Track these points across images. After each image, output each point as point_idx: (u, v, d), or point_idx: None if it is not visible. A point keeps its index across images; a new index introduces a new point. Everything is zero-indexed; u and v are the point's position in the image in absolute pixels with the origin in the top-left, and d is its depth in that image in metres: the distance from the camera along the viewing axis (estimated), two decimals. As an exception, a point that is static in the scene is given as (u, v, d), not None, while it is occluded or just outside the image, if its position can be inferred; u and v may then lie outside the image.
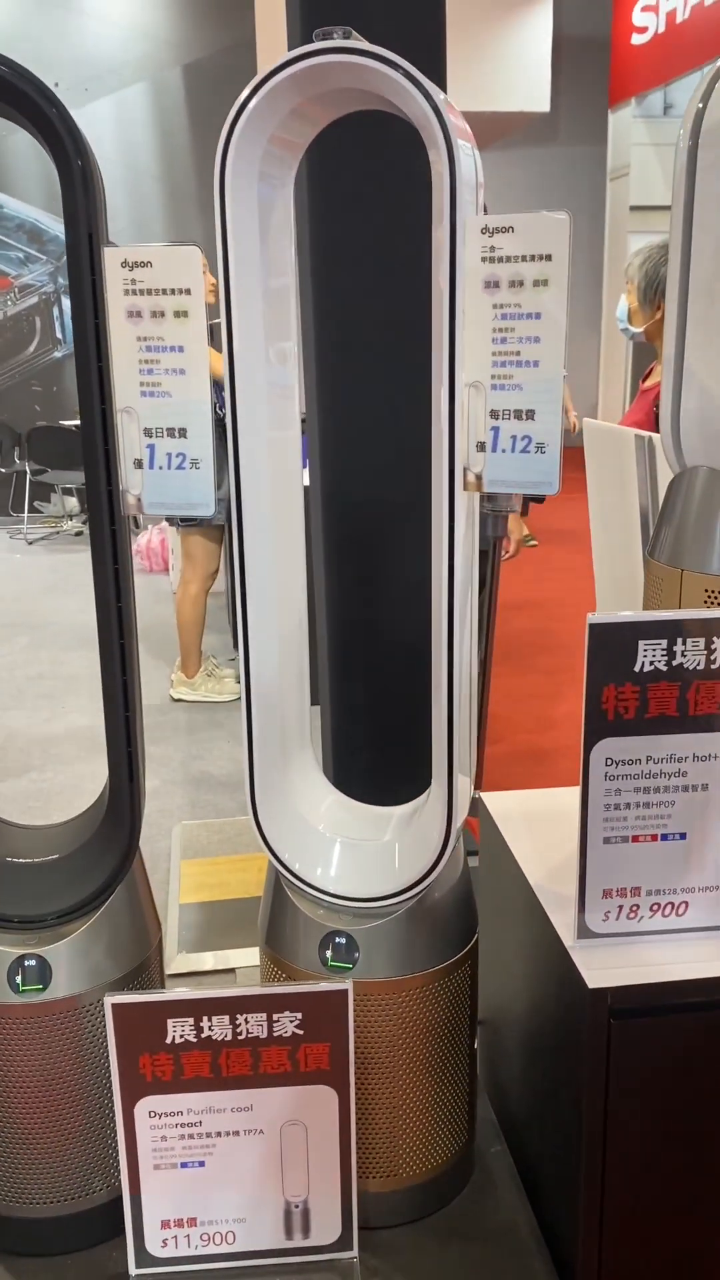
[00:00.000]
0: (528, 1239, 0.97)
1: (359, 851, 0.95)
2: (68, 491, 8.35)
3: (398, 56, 0.74)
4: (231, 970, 2.27)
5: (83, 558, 6.98)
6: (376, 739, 1.42)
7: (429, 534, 1.65)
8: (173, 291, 0.80)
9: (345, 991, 0.88)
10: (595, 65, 8.69)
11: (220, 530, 4.06)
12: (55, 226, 7.83)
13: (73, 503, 8.37)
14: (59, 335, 8.36)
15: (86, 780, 3.34)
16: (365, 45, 0.74)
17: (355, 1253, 0.94)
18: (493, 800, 1.16)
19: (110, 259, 0.79)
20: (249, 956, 2.33)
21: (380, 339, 1.40)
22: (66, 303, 8.18)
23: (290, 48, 1.41)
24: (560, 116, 8.56)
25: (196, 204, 7.29)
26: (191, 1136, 0.91)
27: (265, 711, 0.94)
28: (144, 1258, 0.93)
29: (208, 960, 2.09)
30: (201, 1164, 0.92)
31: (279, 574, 0.92)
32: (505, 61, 6.94)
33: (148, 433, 0.83)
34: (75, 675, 3.38)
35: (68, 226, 0.80)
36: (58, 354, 8.38)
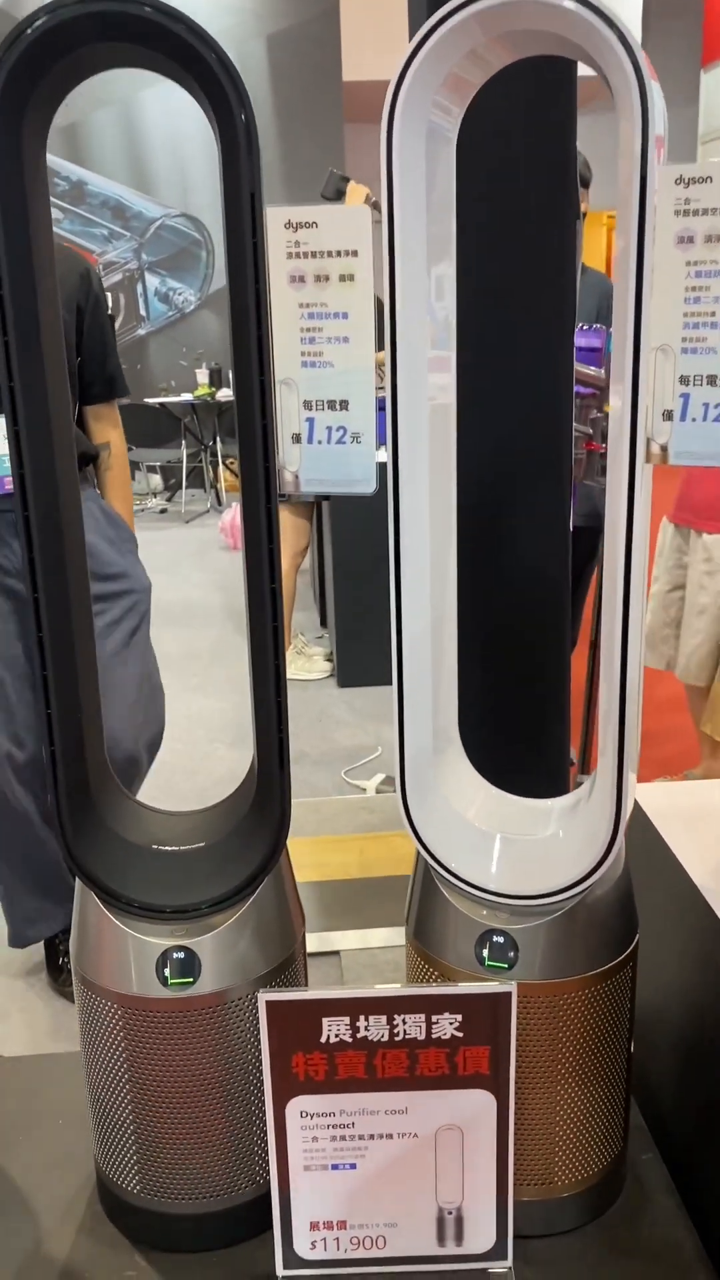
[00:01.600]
0: (690, 1255, 0.92)
1: (518, 846, 0.90)
2: (152, 469, 8.41)
3: (595, -5, 0.68)
4: (335, 953, 2.26)
5: (167, 535, 7.03)
6: (494, 728, 1.37)
7: (554, 511, 1.58)
8: (339, 254, 0.75)
9: (509, 994, 0.83)
10: (687, 24, 8.40)
11: (310, 507, 4.03)
12: (139, 203, 7.85)
13: (157, 480, 8.43)
14: (142, 313, 8.40)
15: (188, 761, 3.35)
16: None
17: (510, 1262, 0.90)
18: (641, 793, 1.10)
19: (273, 220, 0.75)
20: (352, 939, 2.32)
21: (493, 306, 1.34)
22: (151, 280, 8.22)
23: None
24: (650, 79, 8.29)
25: (279, 176, 7.24)
26: (344, 1138, 0.88)
27: (417, 698, 0.90)
28: (292, 1259, 0.90)
29: (311, 942, 2.06)
30: (353, 1166, 0.89)
31: (434, 550, 0.87)
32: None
33: (307, 405, 0.79)
34: (168, 654, 3.38)
35: (227, 186, 0.76)
36: (141, 331, 8.44)
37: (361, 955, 2.27)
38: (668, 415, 0.75)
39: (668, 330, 0.74)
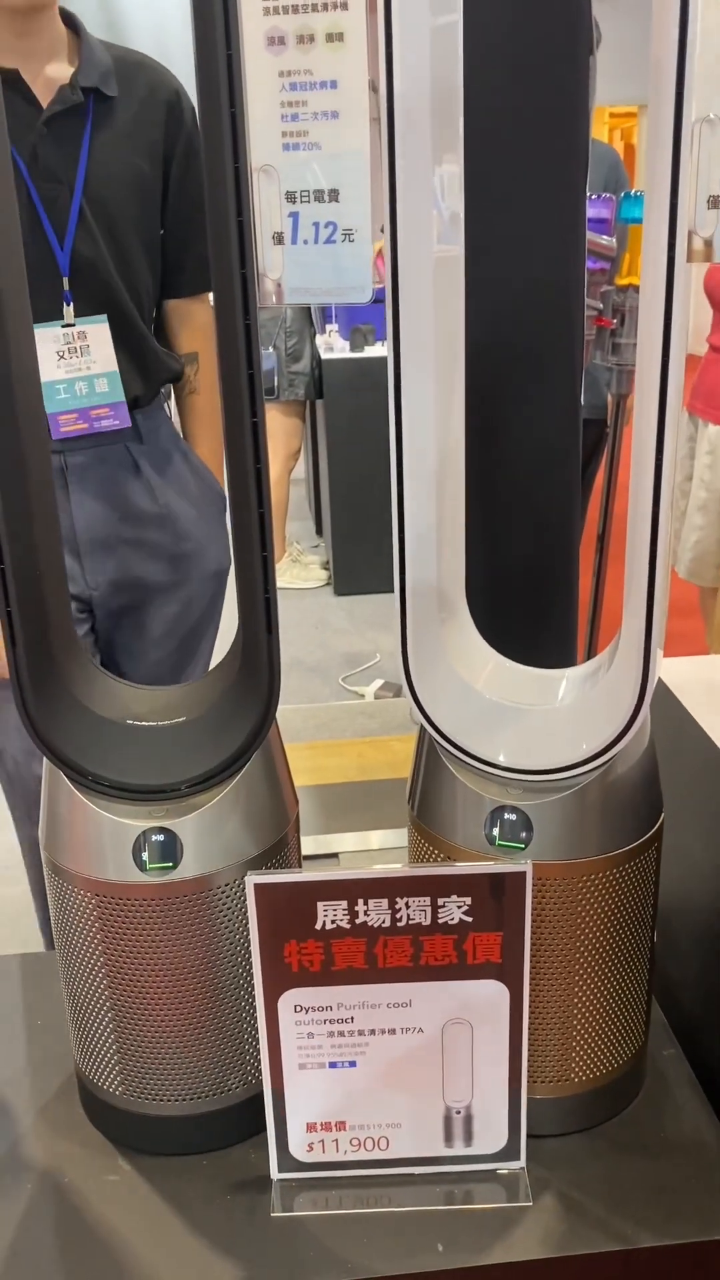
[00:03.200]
0: (715, 1152, 0.85)
1: (531, 717, 0.81)
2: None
3: None
4: (334, 855, 2.20)
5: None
6: (501, 600, 1.28)
7: (565, 385, 1.46)
8: (325, 7, 0.63)
9: (524, 874, 0.75)
10: None
11: (302, 406, 3.87)
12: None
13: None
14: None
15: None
16: None
17: (523, 1162, 0.83)
18: (662, 667, 1.01)
19: (247, -36, 0.63)
20: (351, 841, 2.26)
21: (499, 145, 1.21)
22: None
23: None
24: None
25: None
26: (342, 1034, 0.80)
27: (420, 564, 0.80)
28: (287, 1161, 0.83)
29: (308, 845, 1.98)
30: (353, 1064, 0.81)
31: (438, 415, 0.76)
32: None
33: (290, 198, 0.67)
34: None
35: None
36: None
37: (360, 857, 2.22)
38: (713, 202, 0.64)
39: (709, 101, 0.62)
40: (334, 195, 0.67)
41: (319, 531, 4.68)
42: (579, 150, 1.34)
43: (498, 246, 1.21)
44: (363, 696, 3.10)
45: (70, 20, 1.35)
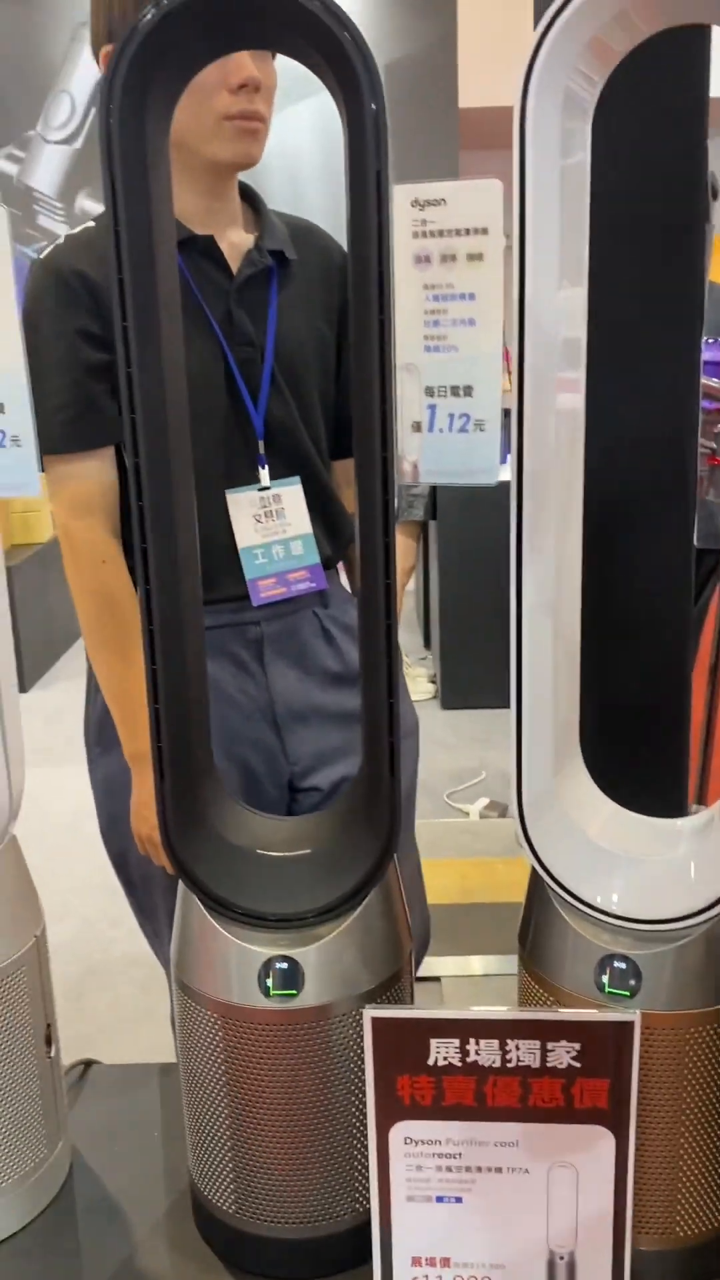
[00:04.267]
0: None
1: (645, 867, 0.85)
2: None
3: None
4: (436, 978, 2.20)
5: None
6: (613, 746, 1.31)
7: (677, 525, 1.51)
8: (468, 232, 0.72)
9: (632, 1023, 0.77)
10: None
11: (418, 526, 3.99)
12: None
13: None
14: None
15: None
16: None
17: (626, 1316, 0.84)
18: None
19: (399, 197, 0.72)
20: (452, 965, 2.26)
21: (618, 306, 1.28)
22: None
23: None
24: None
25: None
26: (450, 1169, 0.83)
27: (537, 708, 0.85)
28: (391, 1295, 0.85)
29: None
30: (459, 1200, 0.83)
31: (558, 562, 0.82)
32: None
33: (429, 391, 0.75)
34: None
35: (352, 165, 0.73)
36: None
37: (463, 983, 2.22)
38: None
39: None
40: (468, 391, 0.74)
41: (426, 644, 4.76)
42: (695, 310, 1.42)
43: (616, 387, 1.28)
44: (467, 815, 3.11)
45: (247, 191, 1.40)
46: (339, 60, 0.73)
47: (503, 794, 3.20)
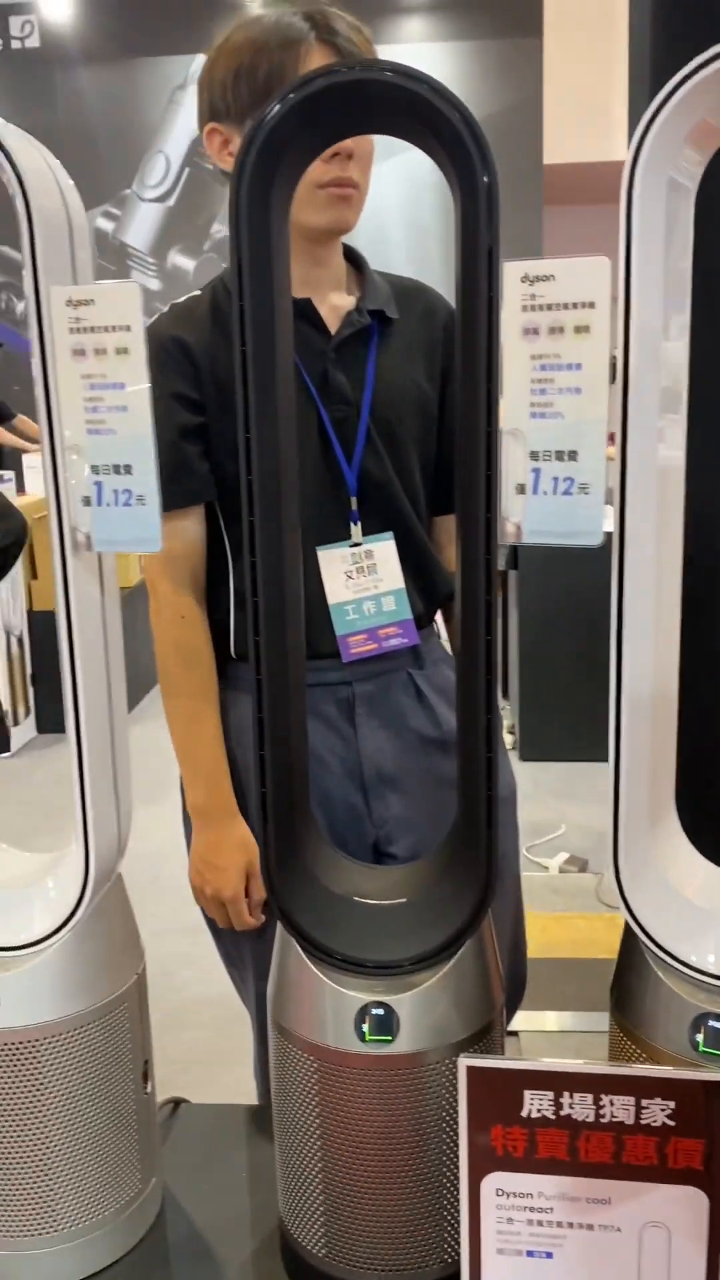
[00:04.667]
0: None
1: (739, 925, 0.85)
2: None
3: None
4: (514, 1033, 2.19)
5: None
6: (709, 805, 1.31)
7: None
8: (575, 306, 0.75)
9: (729, 1084, 0.77)
10: None
11: (502, 576, 4.01)
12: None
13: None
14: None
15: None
16: None
17: None
18: None
19: (509, 274, 0.75)
20: (530, 1020, 2.24)
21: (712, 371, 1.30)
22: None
23: (647, 59, 1.36)
24: None
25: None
26: (541, 1224, 0.83)
27: (635, 767, 0.86)
28: (479, 1349, 0.85)
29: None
30: (549, 1255, 0.84)
31: (657, 617, 0.84)
32: None
33: (534, 456, 0.78)
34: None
35: (464, 243, 0.77)
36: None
37: (539, 1038, 2.20)
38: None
39: None
40: (573, 455, 0.77)
41: (504, 694, 4.75)
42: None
43: (709, 459, 1.30)
44: (547, 869, 3.09)
45: (351, 254, 1.44)
46: (452, 139, 0.77)
47: (582, 849, 3.17)
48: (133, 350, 0.80)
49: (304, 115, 0.79)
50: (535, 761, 3.95)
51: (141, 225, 8.11)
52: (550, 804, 3.56)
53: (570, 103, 7.67)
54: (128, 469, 0.83)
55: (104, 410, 0.82)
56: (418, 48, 7.55)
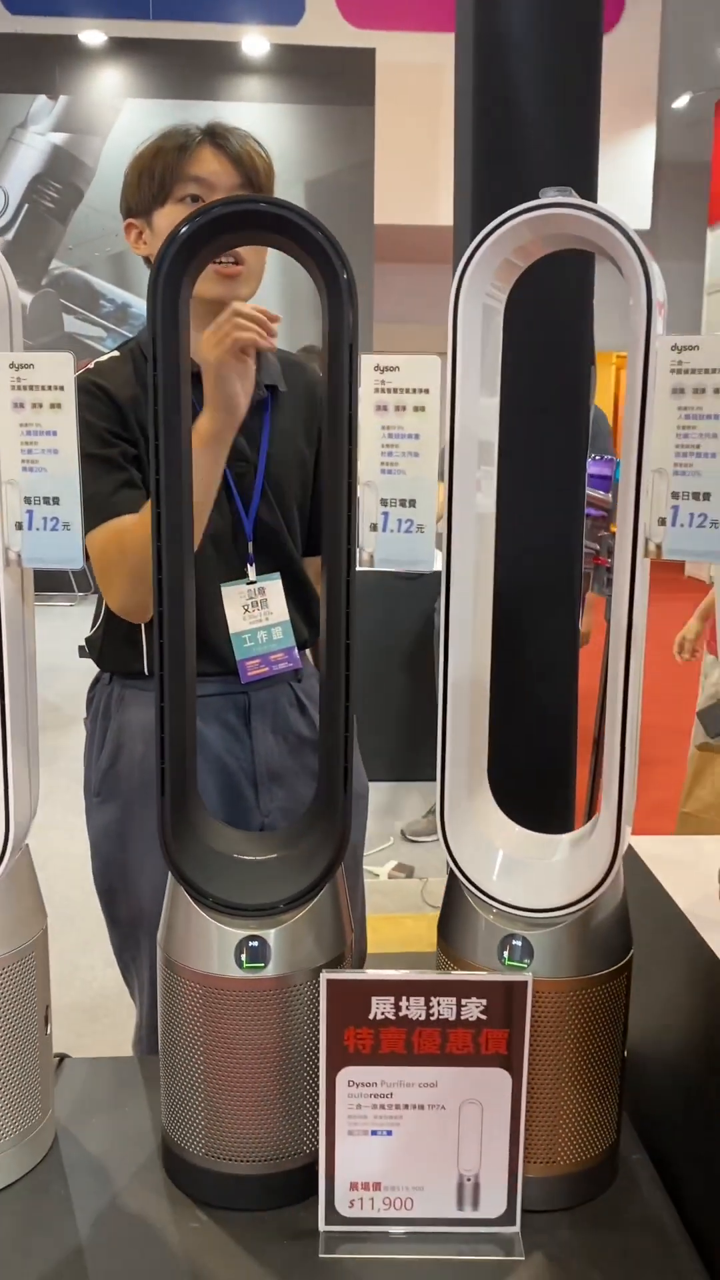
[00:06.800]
0: (674, 1233, 1.08)
1: (534, 870, 1.10)
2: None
3: (612, 212, 0.93)
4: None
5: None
6: (514, 779, 1.58)
7: (566, 612, 1.80)
8: (414, 390, 0.99)
9: (526, 983, 1.02)
10: (694, 187, 9.02)
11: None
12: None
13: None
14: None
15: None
16: (587, 203, 0.94)
17: (518, 1227, 1.06)
18: (640, 843, 1.30)
19: (366, 364, 0.99)
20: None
21: (521, 438, 1.59)
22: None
23: (469, 196, 1.64)
24: (660, 234, 8.90)
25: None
26: (383, 1107, 1.05)
27: (457, 752, 1.10)
28: (333, 1216, 1.06)
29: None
30: (389, 1133, 1.05)
31: (474, 638, 1.09)
32: (609, 181, 7.28)
33: (383, 502, 1.02)
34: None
35: (331, 338, 1.00)
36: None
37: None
38: (662, 521, 0.98)
39: (663, 456, 0.97)
40: (412, 503, 1.01)
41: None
42: (580, 437, 1.74)
43: (516, 503, 1.57)
44: (378, 875, 3.33)
45: None
46: (316, 250, 1.00)
47: (409, 856, 3.45)
48: (64, 405, 1.00)
49: (208, 230, 1.01)
50: (369, 781, 4.21)
51: (-23, 255, 8.08)
52: (381, 820, 3.81)
53: (400, 168, 8.15)
54: (56, 500, 1.01)
55: (37, 452, 1.01)
56: (261, 108, 7.88)
